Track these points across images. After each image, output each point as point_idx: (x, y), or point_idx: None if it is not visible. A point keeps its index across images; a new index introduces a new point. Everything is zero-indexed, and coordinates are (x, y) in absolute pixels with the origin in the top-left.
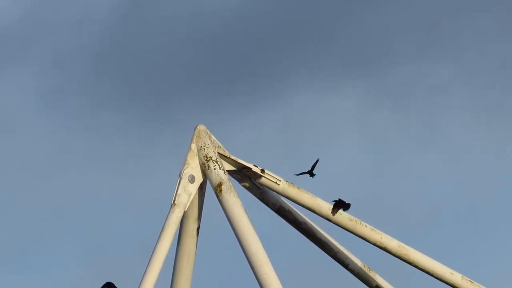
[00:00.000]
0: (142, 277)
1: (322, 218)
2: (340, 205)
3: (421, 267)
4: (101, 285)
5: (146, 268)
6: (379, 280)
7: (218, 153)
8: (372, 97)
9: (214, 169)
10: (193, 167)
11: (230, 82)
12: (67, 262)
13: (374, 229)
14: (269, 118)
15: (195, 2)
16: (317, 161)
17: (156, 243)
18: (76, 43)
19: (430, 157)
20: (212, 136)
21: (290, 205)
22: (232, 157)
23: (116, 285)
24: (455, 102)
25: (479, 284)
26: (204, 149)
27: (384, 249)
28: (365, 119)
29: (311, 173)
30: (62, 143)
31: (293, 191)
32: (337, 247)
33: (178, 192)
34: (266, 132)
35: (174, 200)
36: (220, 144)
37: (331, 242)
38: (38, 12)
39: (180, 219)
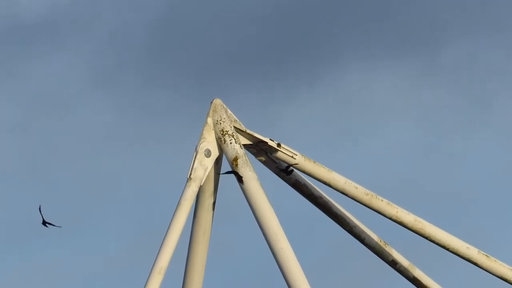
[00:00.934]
0: (158, 252)
1: (338, 192)
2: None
3: (437, 241)
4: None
5: (162, 243)
6: (395, 254)
7: (234, 127)
8: (426, 76)
9: (230, 143)
10: (209, 141)
11: (282, 61)
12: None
13: (390, 203)
14: (320, 97)
15: None
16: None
17: (172, 218)
18: (132, 19)
19: (487, 139)
20: (228, 110)
21: (306, 179)
22: (248, 131)
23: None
24: None
25: (495, 259)
26: (220, 123)
27: (400, 223)
28: (418, 99)
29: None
30: (116, 121)
31: (309, 165)
32: (353, 222)
33: (194, 167)
34: (318, 110)
35: (190, 174)
36: (236, 118)
37: (347, 217)
38: None
39: (196, 193)
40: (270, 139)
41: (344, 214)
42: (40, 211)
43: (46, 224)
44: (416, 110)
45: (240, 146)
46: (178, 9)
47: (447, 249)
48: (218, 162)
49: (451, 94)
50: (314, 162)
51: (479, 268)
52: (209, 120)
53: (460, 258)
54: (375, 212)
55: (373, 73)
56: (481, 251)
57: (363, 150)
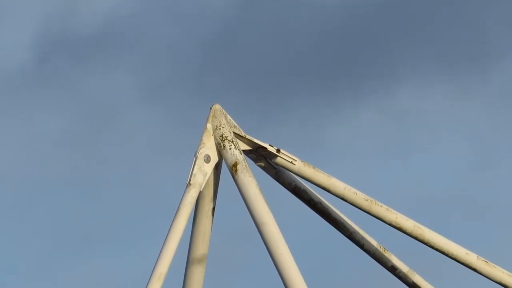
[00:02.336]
0: (157, 257)
1: (338, 198)
2: None
3: (436, 247)
4: None
5: (161, 249)
6: (394, 260)
7: (234, 132)
8: (477, 92)
9: (230, 148)
10: (208, 147)
11: (335, 76)
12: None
13: (390, 209)
14: (370, 112)
15: None
16: None
17: (172, 223)
18: (185, 34)
19: None
20: (228, 115)
21: (306, 185)
22: (247, 136)
23: None
24: None
25: (494, 265)
26: (220, 129)
27: (400, 229)
28: (469, 115)
29: None
30: (162, 136)
31: (308, 171)
32: (353, 227)
33: (194, 172)
34: (365, 125)
35: (190, 180)
36: (236, 124)
37: (346, 222)
38: (154, 3)
39: (195, 199)
40: (269, 145)
41: (344, 220)
42: None
43: None
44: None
45: (240, 151)
46: (231, 26)
47: (446, 255)
48: (217, 168)
49: (502, 111)
50: (314, 167)
51: (478, 274)
52: (209, 125)
53: (460, 264)
54: (375, 218)
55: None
56: (480, 257)
57: (414, 166)
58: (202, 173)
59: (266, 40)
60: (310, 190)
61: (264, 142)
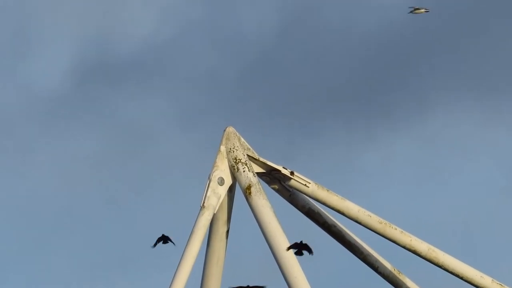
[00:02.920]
0: (172, 279)
1: (352, 221)
2: (298, 246)
3: (450, 270)
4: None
5: (176, 270)
6: (409, 283)
7: (247, 155)
8: (504, 119)
9: (244, 171)
10: (222, 170)
11: (368, 103)
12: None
13: (404, 232)
14: (403, 136)
15: (345, 21)
16: None
17: (186, 246)
18: (225, 61)
19: None
20: (242, 138)
21: (320, 208)
22: (261, 159)
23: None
24: None
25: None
26: (234, 151)
27: (414, 252)
28: (496, 142)
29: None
30: (197, 160)
31: (322, 193)
32: (367, 250)
33: (208, 195)
34: (400, 149)
35: (204, 202)
36: (249, 146)
37: (360, 245)
38: (191, 30)
39: (209, 221)
40: (283, 167)
41: (358, 243)
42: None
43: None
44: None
45: (254, 174)
46: (268, 53)
47: (461, 277)
48: (231, 190)
49: None
50: (328, 190)
51: None
52: (222, 148)
53: (474, 287)
54: (389, 241)
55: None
56: (495, 280)
57: (446, 188)
58: (216, 195)
59: (302, 68)
60: (324, 213)
61: (278, 164)
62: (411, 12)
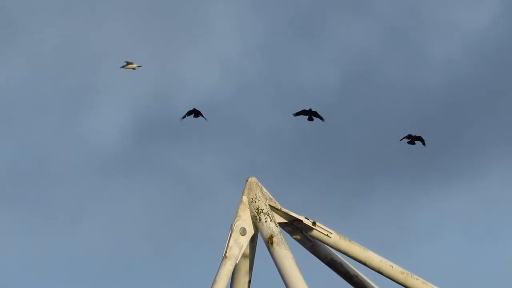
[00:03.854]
0: None
1: (374, 271)
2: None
3: None
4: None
5: None
6: None
7: (269, 205)
8: None
9: (266, 221)
10: (244, 220)
11: (424, 159)
12: None
13: (426, 282)
14: (459, 194)
15: (405, 77)
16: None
17: None
18: (281, 117)
19: None
20: (264, 188)
21: (342, 258)
22: (283, 209)
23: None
24: None
25: None
26: (256, 202)
27: None
28: None
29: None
30: None
31: (344, 244)
32: None
33: (230, 245)
34: (454, 206)
35: (226, 252)
36: (272, 197)
37: None
38: (251, 86)
39: (231, 271)
40: (305, 217)
41: None
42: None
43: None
44: None
45: (276, 224)
46: (329, 110)
47: None
48: (253, 240)
49: None
50: (350, 240)
51: None
52: (244, 198)
53: None
54: None
55: None
56: None
57: (502, 247)
58: (238, 245)
59: (358, 126)
60: (346, 263)
61: (300, 215)
62: (123, 67)
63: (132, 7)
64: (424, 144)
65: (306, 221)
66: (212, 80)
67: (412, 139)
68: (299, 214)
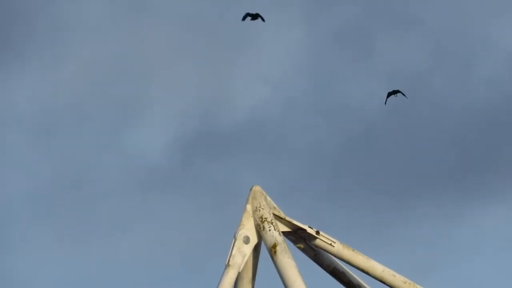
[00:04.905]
0: None
1: (377, 280)
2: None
3: None
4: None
5: None
6: None
7: (273, 214)
8: None
9: (269, 230)
10: (248, 228)
11: (457, 179)
12: None
13: None
14: (495, 213)
15: (453, 93)
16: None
17: None
18: (323, 134)
19: None
20: (268, 197)
21: (345, 267)
22: (287, 218)
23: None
24: None
25: None
26: (260, 210)
27: None
28: None
29: None
30: None
31: (347, 253)
32: None
33: (233, 253)
34: (491, 225)
35: (229, 261)
36: (275, 205)
37: None
38: (296, 103)
39: (234, 280)
40: (309, 226)
41: None
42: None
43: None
44: None
45: (279, 233)
46: (371, 128)
47: None
48: (256, 249)
49: None
50: (353, 250)
51: None
52: (248, 207)
53: None
54: None
55: None
56: None
57: None
58: (241, 254)
59: (399, 145)
60: (349, 273)
61: (304, 224)
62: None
63: (179, 21)
64: (404, 95)
65: (309, 230)
66: (259, 97)
67: (392, 94)
68: (302, 223)
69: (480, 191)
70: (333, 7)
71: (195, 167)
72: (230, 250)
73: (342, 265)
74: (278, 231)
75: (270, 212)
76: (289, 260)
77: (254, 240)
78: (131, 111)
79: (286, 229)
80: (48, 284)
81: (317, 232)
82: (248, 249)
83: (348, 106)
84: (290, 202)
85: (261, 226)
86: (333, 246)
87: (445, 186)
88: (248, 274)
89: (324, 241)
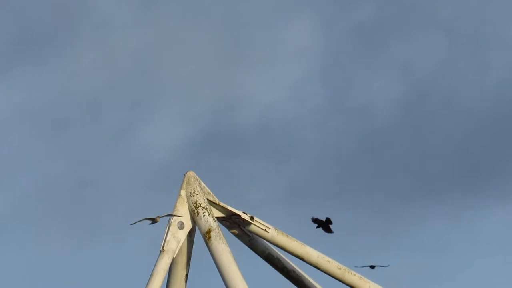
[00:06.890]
0: None
1: (311, 266)
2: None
3: None
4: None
5: None
6: None
7: (208, 199)
8: None
9: (204, 215)
10: (182, 214)
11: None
12: None
13: (363, 277)
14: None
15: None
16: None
17: None
18: (339, 136)
19: None
20: (202, 182)
21: (279, 253)
22: (221, 204)
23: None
24: None
25: None
26: (194, 196)
27: None
28: None
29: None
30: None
31: (282, 239)
32: None
33: (167, 239)
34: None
35: (163, 246)
36: (210, 191)
37: None
38: (312, 104)
39: (169, 265)
40: (243, 212)
41: None
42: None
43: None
44: None
45: (213, 218)
46: (381, 136)
47: None
48: (191, 235)
49: None
50: (287, 235)
51: None
52: (183, 192)
53: None
54: (348, 287)
55: None
56: None
57: None
58: (176, 239)
59: (407, 154)
60: (283, 258)
61: (239, 209)
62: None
63: (194, 20)
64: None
65: (244, 216)
66: (275, 100)
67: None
68: (237, 209)
69: (485, 192)
70: (347, 7)
71: (208, 168)
72: (165, 235)
73: (276, 251)
74: (213, 216)
75: (205, 198)
76: (224, 245)
77: (188, 225)
78: (141, 110)
79: (220, 214)
80: (56, 282)
81: (252, 218)
82: (183, 235)
83: (358, 108)
84: (294, 201)
85: (195, 211)
86: (268, 232)
87: (457, 187)
88: (183, 260)
89: (259, 227)
